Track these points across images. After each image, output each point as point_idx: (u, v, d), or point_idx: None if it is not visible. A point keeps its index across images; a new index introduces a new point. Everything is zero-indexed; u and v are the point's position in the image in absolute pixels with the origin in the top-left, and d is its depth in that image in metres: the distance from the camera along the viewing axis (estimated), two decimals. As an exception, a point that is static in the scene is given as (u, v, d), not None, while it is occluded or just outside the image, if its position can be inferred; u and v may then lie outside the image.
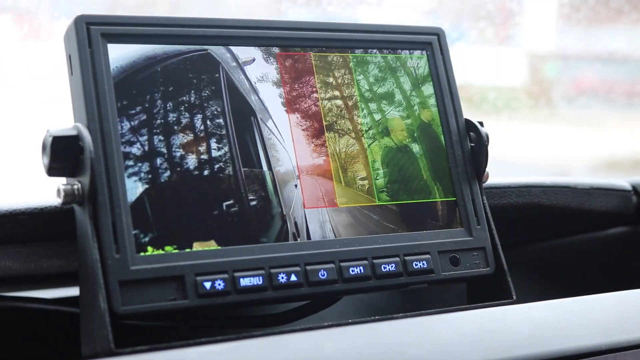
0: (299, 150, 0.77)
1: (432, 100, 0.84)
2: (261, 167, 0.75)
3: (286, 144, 0.77)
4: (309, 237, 0.75)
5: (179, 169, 0.71)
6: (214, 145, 0.73)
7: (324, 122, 0.79)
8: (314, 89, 0.79)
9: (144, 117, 0.72)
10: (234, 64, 0.77)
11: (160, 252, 0.69)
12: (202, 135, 0.73)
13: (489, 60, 2.08)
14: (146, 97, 0.72)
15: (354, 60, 0.82)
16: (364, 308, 1.09)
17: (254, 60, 0.78)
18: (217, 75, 0.75)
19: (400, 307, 1.11)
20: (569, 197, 1.00)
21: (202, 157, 0.73)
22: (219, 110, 0.74)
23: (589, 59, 2.29)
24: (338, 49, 0.82)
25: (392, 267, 0.76)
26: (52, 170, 0.70)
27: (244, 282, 0.71)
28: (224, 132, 0.74)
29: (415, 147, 0.82)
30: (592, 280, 1.09)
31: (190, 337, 0.68)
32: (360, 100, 0.81)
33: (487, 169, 0.83)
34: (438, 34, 0.86)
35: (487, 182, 0.84)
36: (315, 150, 0.78)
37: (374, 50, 0.83)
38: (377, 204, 0.79)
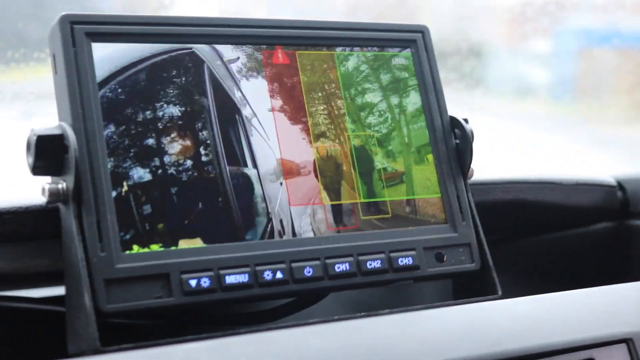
0: (284, 148, 0.77)
1: (417, 98, 0.84)
2: (246, 165, 0.75)
3: (271, 142, 0.77)
4: (294, 234, 0.75)
5: (164, 167, 0.71)
6: (199, 143, 0.73)
7: (308, 119, 0.79)
8: (299, 87, 0.79)
9: (129, 116, 0.72)
10: (219, 62, 0.77)
11: (146, 250, 0.69)
12: (187, 133, 0.73)
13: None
14: (131, 96, 0.72)
15: (339, 58, 0.82)
16: (350, 304, 1.09)
17: (238, 58, 0.78)
18: (201, 73, 0.76)
19: (386, 303, 1.11)
20: (555, 193, 1.00)
21: (187, 155, 0.73)
22: (203, 108, 0.75)
23: None
24: (323, 46, 0.82)
25: (377, 263, 0.76)
26: (36, 169, 0.70)
27: (230, 279, 0.71)
28: (209, 130, 0.74)
29: (399, 144, 0.82)
30: (578, 276, 1.09)
31: (176, 334, 0.68)
32: (344, 97, 0.81)
33: (472, 165, 0.83)
34: (423, 31, 0.86)
35: (472, 179, 0.84)
36: (300, 148, 0.78)
37: (359, 48, 0.83)
38: (362, 201, 0.79)
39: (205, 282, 0.70)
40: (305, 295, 0.78)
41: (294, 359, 0.64)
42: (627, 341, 0.74)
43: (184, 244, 0.70)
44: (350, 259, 0.76)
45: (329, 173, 0.78)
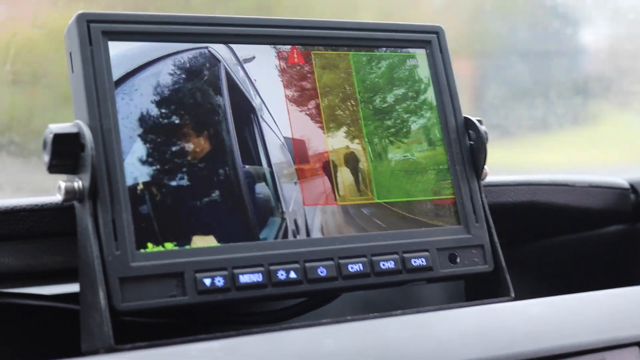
0: (299, 148, 0.77)
1: (431, 98, 0.84)
2: (261, 165, 0.75)
3: (286, 141, 0.77)
4: (308, 234, 0.75)
5: (179, 165, 0.72)
6: (214, 142, 0.74)
7: (323, 119, 0.79)
8: (314, 87, 0.80)
9: (144, 114, 0.72)
10: (234, 61, 0.77)
11: (160, 248, 0.69)
12: (202, 132, 0.73)
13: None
14: (146, 95, 0.72)
15: (354, 58, 0.82)
16: (359, 304, 1.09)
17: (254, 58, 0.78)
18: (217, 72, 0.76)
19: (395, 303, 1.11)
20: (568, 195, 1.00)
21: (202, 154, 0.73)
22: (219, 107, 0.75)
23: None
24: (338, 47, 0.82)
25: (391, 264, 0.77)
26: (53, 168, 0.70)
27: (244, 278, 0.71)
28: (224, 129, 0.74)
29: (414, 144, 0.82)
30: (590, 278, 1.09)
31: (189, 333, 0.69)
32: (359, 98, 0.81)
33: (485, 167, 0.83)
34: (438, 32, 0.86)
35: (485, 180, 0.84)
36: (315, 148, 0.78)
37: (374, 49, 0.83)
38: (376, 201, 0.79)
39: (220, 282, 0.70)
40: (319, 295, 0.79)
41: (307, 359, 0.64)
42: (639, 344, 0.74)
43: (198, 242, 0.71)
44: (364, 259, 0.76)
45: (343, 173, 0.79)
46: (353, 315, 0.74)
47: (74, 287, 0.89)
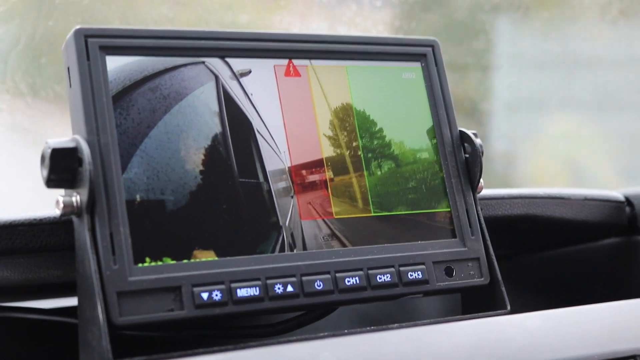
0: (295, 162, 0.78)
1: (427, 111, 0.84)
2: (258, 179, 0.75)
3: (282, 155, 0.77)
4: (305, 248, 0.76)
5: (176, 180, 0.72)
6: (211, 156, 0.74)
7: (320, 133, 0.79)
8: (310, 100, 0.80)
9: (142, 128, 0.72)
10: (231, 75, 0.77)
11: (158, 263, 0.69)
12: (199, 146, 0.74)
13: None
14: (144, 109, 0.72)
15: (350, 71, 0.82)
16: (355, 317, 1.10)
17: (250, 71, 0.78)
18: (213, 87, 0.76)
19: (392, 316, 1.11)
20: (563, 208, 1.00)
21: (199, 168, 0.73)
22: (215, 121, 0.75)
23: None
24: (334, 60, 0.82)
25: (387, 277, 0.77)
26: (51, 182, 0.70)
27: (241, 292, 0.71)
28: (220, 143, 0.75)
29: (409, 158, 0.82)
30: (586, 291, 1.09)
31: (187, 347, 0.69)
32: (355, 111, 0.81)
33: (481, 180, 0.83)
34: (433, 45, 0.86)
35: (481, 193, 0.85)
36: (312, 161, 0.78)
37: (370, 62, 0.84)
38: (373, 215, 0.79)
39: (217, 295, 0.70)
40: (316, 308, 0.79)
41: (305, 373, 0.65)
42: (636, 357, 0.74)
43: (195, 256, 0.71)
44: (360, 272, 0.76)
45: (340, 186, 0.79)
46: (349, 328, 0.74)
47: (72, 301, 0.89)
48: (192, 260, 0.70)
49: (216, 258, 0.71)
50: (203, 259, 0.71)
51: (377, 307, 1.10)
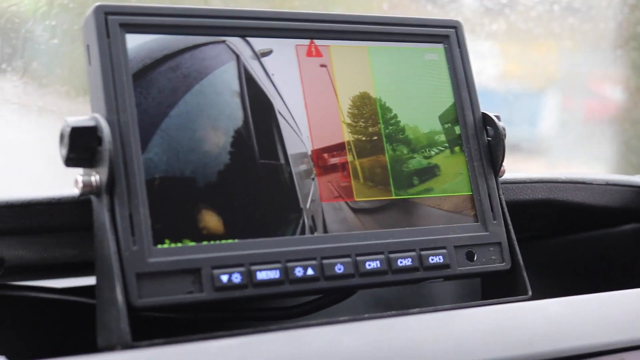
0: (317, 143, 0.77)
1: (449, 94, 0.83)
2: (278, 160, 0.75)
3: (303, 136, 0.76)
4: (325, 230, 0.75)
5: (197, 160, 0.71)
6: (231, 137, 0.73)
7: (341, 114, 0.78)
8: (332, 81, 0.79)
9: (162, 108, 0.71)
10: (252, 55, 0.76)
11: (178, 244, 0.69)
12: (219, 126, 0.73)
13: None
14: (164, 88, 0.72)
15: (372, 52, 0.81)
16: (373, 301, 1.09)
17: (271, 51, 0.77)
18: (234, 66, 0.75)
19: (409, 301, 1.11)
20: (584, 193, 0.99)
21: (220, 149, 0.72)
22: (236, 101, 0.74)
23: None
24: (356, 40, 0.81)
25: (408, 261, 0.76)
26: (69, 161, 0.69)
27: (261, 275, 0.70)
28: (241, 123, 0.74)
29: (432, 140, 0.81)
30: (608, 277, 1.09)
31: (206, 330, 0.68)
32: (377, 92, 0.80)
33: (503, 164, 0.83)
34: (456, 27, 0.85)
35: (503, 177, 0.84)
36: (333, 143, 0.77)
37: (392, 43, 0.83)
38: (394, 198, 0.79)
39: (237, 278, 0.69)
40: (336, 292, 0.78)
41: (326, 357, 0.64)
42: (658, 344, 0.73)
43: (215, 238, 0.70)
44: (381, 256, 0.75)
45: (361, 169, 0.78)
46: (364, 311, 0.74)
47: (89, 281, 0.89)
48: (212, 243, 0.70)
49: (236, 240, 0.71)
50: (223, 241, 0.70)
51: (392, 291, 1.10)
